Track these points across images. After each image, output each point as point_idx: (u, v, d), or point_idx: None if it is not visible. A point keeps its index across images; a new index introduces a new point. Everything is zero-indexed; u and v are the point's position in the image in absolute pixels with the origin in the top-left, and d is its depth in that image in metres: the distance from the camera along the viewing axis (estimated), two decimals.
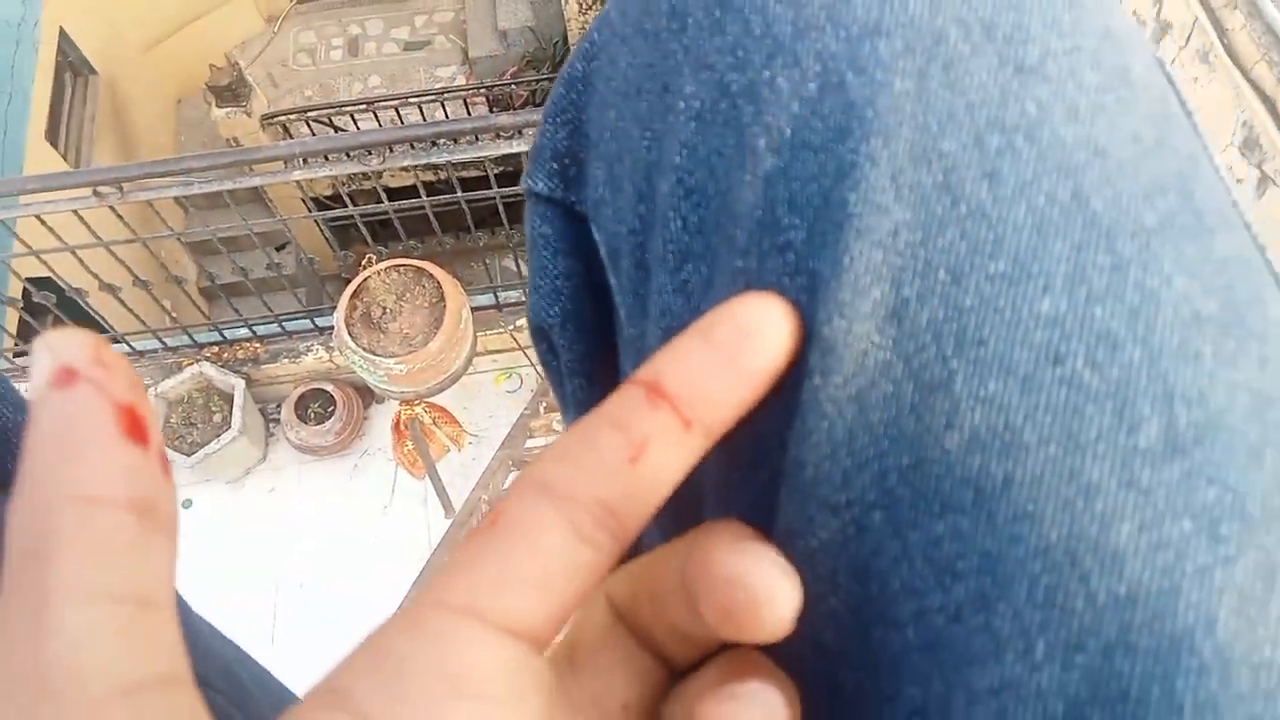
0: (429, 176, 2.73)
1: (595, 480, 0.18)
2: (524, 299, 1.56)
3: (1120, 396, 0.17)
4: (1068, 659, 0.16)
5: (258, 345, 2.14)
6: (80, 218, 1.99)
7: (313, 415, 2.10)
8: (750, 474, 0.21)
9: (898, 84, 0.20)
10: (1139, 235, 0.19)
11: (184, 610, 0.38)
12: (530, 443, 2.18)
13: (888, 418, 0.19)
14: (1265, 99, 2.31)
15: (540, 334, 0.29)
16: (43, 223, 2.02)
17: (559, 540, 0.18)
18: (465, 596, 0.17)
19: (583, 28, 4.10)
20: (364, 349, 1.90)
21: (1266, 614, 0.16)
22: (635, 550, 0.20)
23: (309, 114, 3.52)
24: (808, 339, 0.19)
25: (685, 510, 0.22)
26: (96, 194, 1.98)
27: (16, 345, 2.39)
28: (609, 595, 0.21)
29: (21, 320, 2.46)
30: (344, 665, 0.17)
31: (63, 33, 3.62)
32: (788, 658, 0.20)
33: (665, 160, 0.24)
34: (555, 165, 0.28)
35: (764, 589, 0.18)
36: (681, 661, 0.21)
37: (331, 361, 2.14)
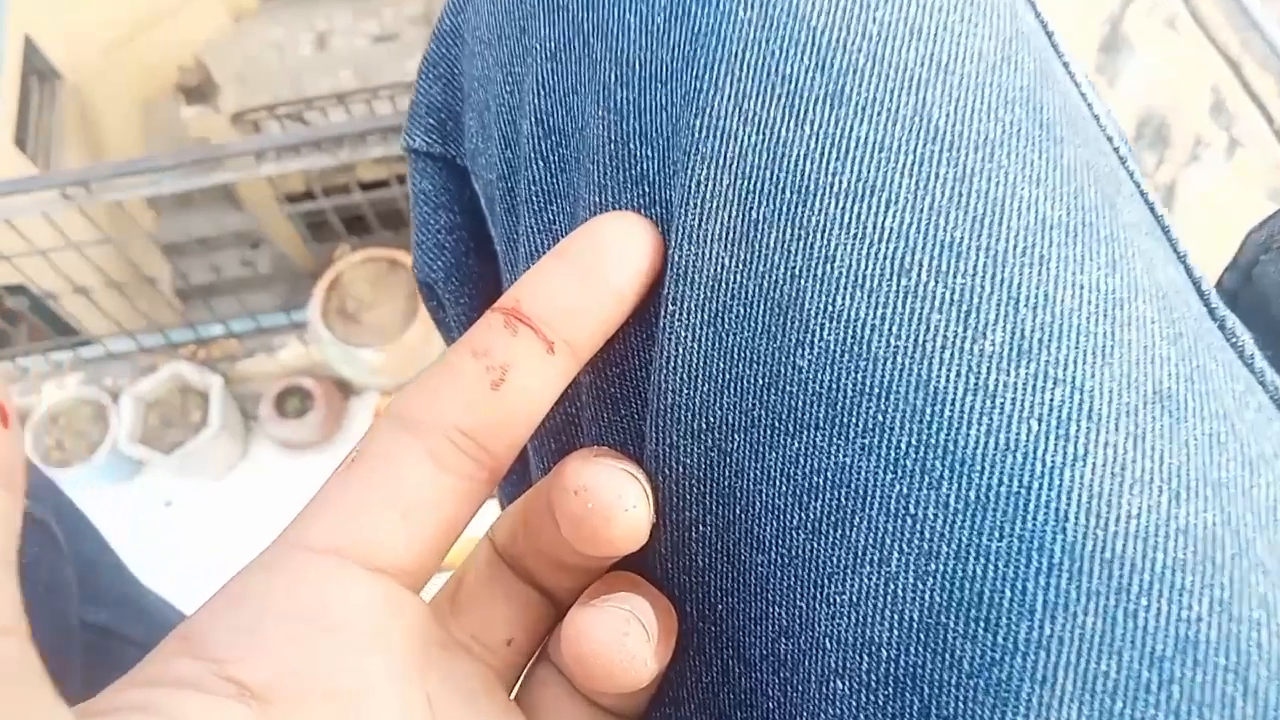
0: (402, 169, 2.72)
1: (456, 409, 0.19)
2: None
3: (966, 304, 0.18)
4: (922, 567, 0.17)
5: (234, 343, 2.13)
6: (50, 220, 1.96)
7: (292, 410, 2.10)
8: (621, 407, 0.22)
9: (741, 12, 0.20)
10: (983, 147, 0.19)
11: (136, 581, 0.38)
12: None
13: (742, 340, 0.19)
14: (1231, 64, 2.32)
15: (428, 289, 0.30)
16: (12, 227, 2.00)
17: (418, 470, 0.18)
18: (324, 534, 0.18)
19: None
20: (340, 341, 1.89)
21: (1117, 510, 0.16)
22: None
23: (279, 110, 3.49)
24: (665, 267, 0.20)
25: (566, 449, 0.23)
26: (65, 196, 1.96)
27: None
28: (491, 536, 0.22)
29: None
30: (199, 611, 0.17)
31: (28, 40, 3.57)
32: (665, 585, 0.20)
33: (525, 102, 0.24)
34: (432, 120, 0.28)
35: (608, 495, 0.18)
36: (564, 594, 0.21)
37: (309, 356, 2.13)
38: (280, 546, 0.18)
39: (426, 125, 0.28)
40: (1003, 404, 0.17)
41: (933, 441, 0.17)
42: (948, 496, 0.17)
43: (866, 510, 0.17)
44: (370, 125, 2.36)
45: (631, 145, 0.21)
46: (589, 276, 0.20)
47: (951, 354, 0.17)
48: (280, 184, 2.51)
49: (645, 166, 0.21)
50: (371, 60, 3.62)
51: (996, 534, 0.16)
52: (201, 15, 3.73)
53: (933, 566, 0.17)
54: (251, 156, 2.19)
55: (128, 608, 0.36)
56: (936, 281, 0.18)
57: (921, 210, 0.19)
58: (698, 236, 0.19)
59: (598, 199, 0.21)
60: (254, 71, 3.62)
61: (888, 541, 0.17)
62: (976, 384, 0.17)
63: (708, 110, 0.20)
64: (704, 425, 0.19)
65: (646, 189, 0.21)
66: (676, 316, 0.19)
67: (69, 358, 2.22)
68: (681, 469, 0.19)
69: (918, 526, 0.17)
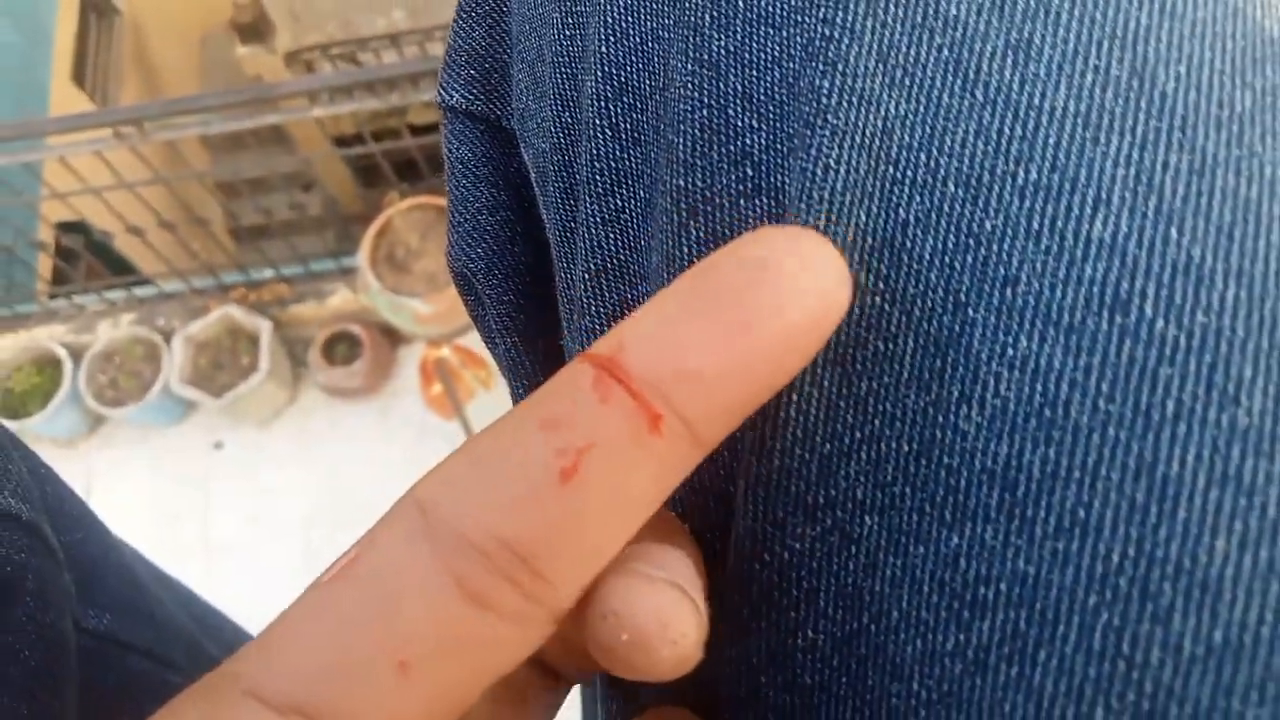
0: None
1: (500, 508, 0.12)
2: None
3: (1210, 353, 0.12)
4: None
5: (283, 287, 2.12)
6: (104, 159, 1.96)
7: (340, 356, 2.09)
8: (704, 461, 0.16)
9: None
10: (1228, 125, 0.13)
11: (143, 582, 0.35)
12: None
13: (882, 389, 0.14)
14: None
15: (464, 280, 0.23)
16: (66, 165, 2.00)
17: (434, 601, 0.11)
18: (285, 682, 0.12)
19: None
20: (389, 289, 1.87)
21: None
22: None
23: (332, 50, 3.46)
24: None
25: None
26: (117, 135, 1.95)
27: (51, 290, 2.39)
28: None
29: (55, 265, 2.46)
30: None
31: None
32: (756, 702, 0.15)
33: (590, 51, 0.18)
34: (473, 71, 0.22)
35: (649, 624, 0.12)
36: (572, 674, 0.16)
37: (357, 302, 2.12)
38: (225, 684, 0.12)
39: (466, 77, 0.22)
40: (1264, 505, 0.12)
41: (1160, 555, 0.12)
42: (1180, 637, 0.12)
43: (1057, 644, 0.12)
44: (422, 67, 2.31)
45: (731, 111, 0.16)
46: (738, 324, 0.13)
47: (1189, 428, 0.12)
48: (331, 126, 2.48)
49: (749, 140, 0.15)
50: (426, 1, 3.57)
51: (1256, 695, 0.11)
52: None
53: None
54: (304, 98, 2.16)
55: (134, 613, 0.33)
56: (1166, 320, 0.13)
57: (1144, 215, 0.13)
58: None
59: (683, 182, 0.16)
60: (307, 9, 3.59)
61: (1088, 692, 0.12)
62: (1226, 474, 0.12)
63: (839, 65, 0.14)
64: (823, 500, 0.14)
65: (749, 171, 0.15)
66: None
67: (123, 297, 2.24)
68: (788, 555, 0.14)
69: (1135, 676, 0.12)
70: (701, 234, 0.16)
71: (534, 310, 0.22)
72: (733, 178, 0.16)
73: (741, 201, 0.15)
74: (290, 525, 2.00)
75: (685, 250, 0.16)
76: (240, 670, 0.12)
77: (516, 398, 0.23)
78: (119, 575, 0.33)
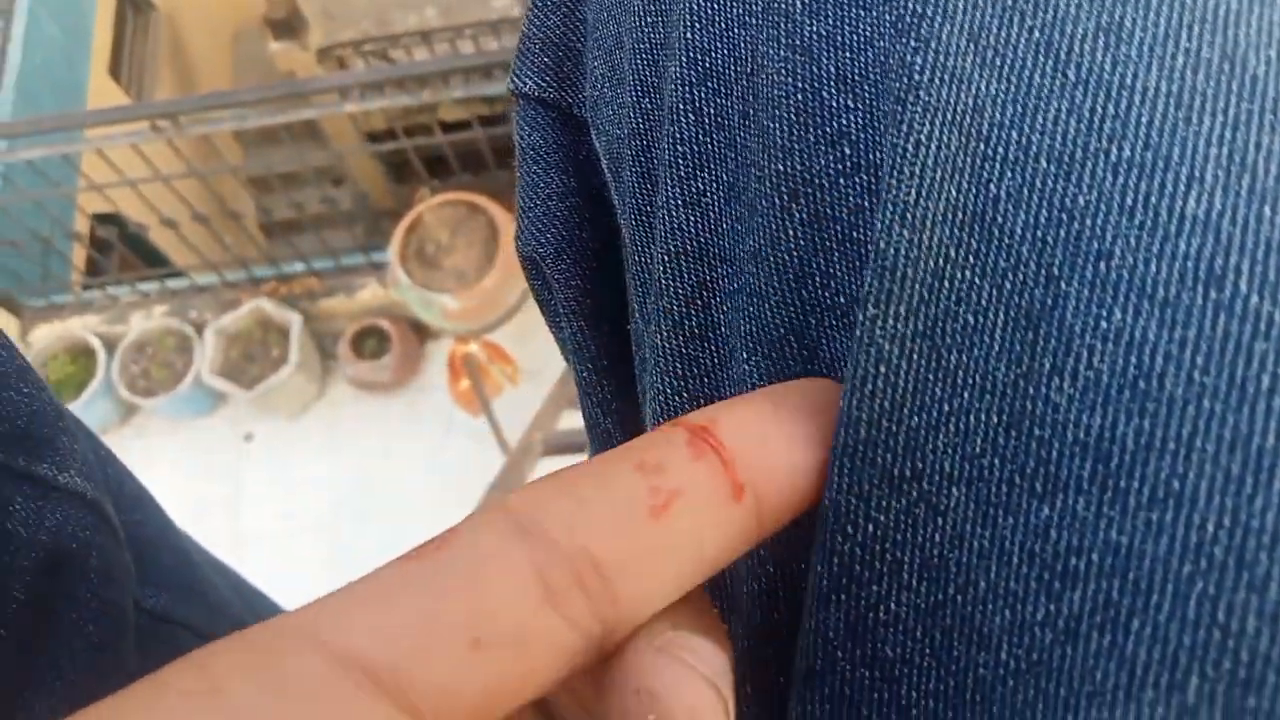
0: (483, 110, 2.69)
1: (597, 528, 0.13)
2: None
3: None
4: (1234, 703, 0.11)
5: (314, 281, 2.14)
6: (139, 152, 1.99)
7: (369, 351, 2.11)
8: None
9: None
10: None
11: (197, 564, 0.35)
12: None
13: (971, 361, 0.14)
14: None
15: (532, 265, 0.23)
16: (103, 156, 2.03)
17: (519, 592, 0.12)
18: (356, 635, 0.11)
19: None
20: (418, 285, 1.88)
21: None
22: None
23: (364, 46, 3.49)
24: (845, 253, 0.15)
25: None
26: (154, 128, 1.98)
27: (86, 280, 2.43)
28: None
29: (90, 256, 2.50)
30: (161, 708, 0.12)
31: None
32: (833, 675, 0.15)
33: (674, 37, 0.18)
34: (546, 59, 0.23)
35: (677, 709, 0.13)
36: None
37: (387, 297, 2.13)
38: (292, 627, 0.12)
39: (540, 65, 0.23)
40: None
41: (1255, 525, 0.12)
42: (1277, 605, 0.12)
43: (1150, 612, 0.12)
44: (453, 64, 2.33)
45: (825, 94, 0.16)
46: (819, 438, 0.14)
47: None
48: (363, 122, 2.51)
49: (846, 120, 0.16)
50: None
51: None
52: None
53: (1250, 703, 0.12)
54: (335, 93, 2.18)
55: (189, 592, 0.33)
56: (1262, 297, 0.13)
57: (1238, 193, 0.13)
58: (914, 217, 0.14)
59: (782, 166, 0.16)
60: (340, 6, 3.63)
61: (1183, 660, 0.12)
62: None
63: (932, 43, 0.14)
64: (909, 471, 0.14)
65: (848, 150, 0.16)
66: (880, 322, 0.14)
67: (156, 289, 2.27)
68: (872, 527, 0.14)
69: (1231, 644, 0.12)
70: (805, 215, 0.16)
71: (600, 294, 0.23)
72: (831, 158, 0.16)
73: (841, 181, 0.16)
74: (318, 517, 2.02)
75: (790, 233, 0.16)
76: (308, 618, 0.12)
77: (579, 380, 0.24)
78: (175, 556, 0.34)
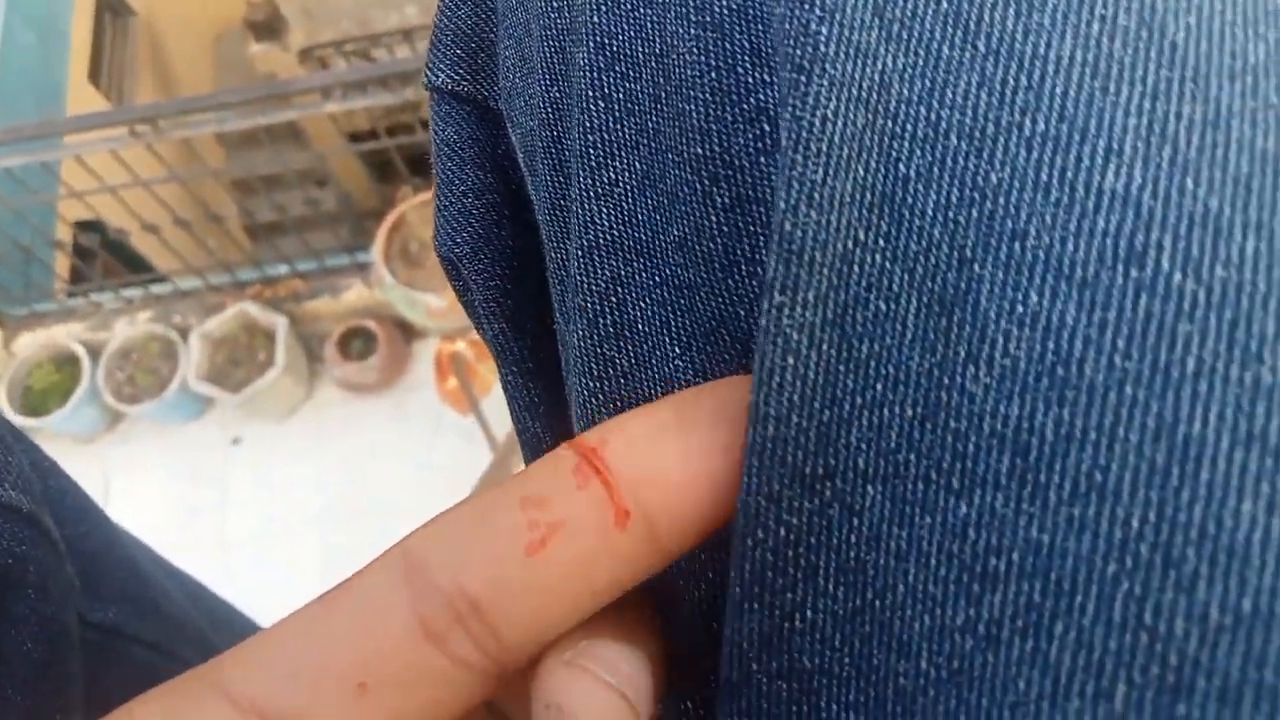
0: None
1: (473, 567, 0.13)
2: None
3: (1231, 308, 0.11)
4: (1163, 710, 0.11)
5: (298, 282, 2.13)
6: (119, 158, 1.97)
7: (356, 352, 2.10)
8: None
9: None
10: (1241, 76, 0.13)
11: (149, 575, 0.35)
12: None
13: (883, 351, 0.13)
14: None
15: (450, 265, 0.23)
16: (83, 164, 2.01)
17: (399, 635, 0.13)
18: (254, 683, 0.13)
19: None
20: (403, 284, 1.87)
21: None
22: None
23: (345, 46, 3.48)
24: (769, 238, 0.14)
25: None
26: (133, 133, 1.96)
27: (69, 288, 2.41)
28: None
29: (72, 264, 2.48)
30: None
31: None
32: (749, 688, 0.14)
33: (580, 21, 0.18)
34: (459, 51, 0.22)
35: None
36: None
37: (372, 298, 2.12)
38: (200, 679, 0.13)
39: (453, 57, 0.22)
40: None
41: (1182, 519, 0.11)
42: (1206, 606, 0.11)
43: (1074, 615, 0.12)
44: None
45: (741, 69, 0.15)
46: (721, 446, 0.14)
47: (1210, 386, 0.12)
48: (345, 122, 2.49)
49: (763, 96, 0.15)
50: None
51: None
52: None
53: (1180, 711, 0.11)
54: (317, 94, 2.17)
55: (140, 604, 0.33)
56: (1184, 274, 0.12)
57: (1159, 166, 0.13)
58: (821, 197, 0.13)
59: (700, 149, 0.15)
60: (321, 6, 3.60)
61: (1109, 666, 0.11)
62: (1251, 434, 0.11)
63: (836, 14, 0.14)
64: (821, 470, 0.14)
65: (768, 128, 0.15)
66: (787, 311, 0.13)
67: (139, 294, 2.25)
68: (784, 531, 0.14)
69: (1158, 648, 0.11)
70: (727, 200, 0.15)
71: (522, 294, 0.22)
72: (750, 136, 0.15)
73: (762, 160, 0.15)
74: (307, 520, 2.01)
75: (713, 219, 0.15)
76: (216, 669, 0.13)
77: (505, 384, 0.23)
78: (124, 568, 0.33)
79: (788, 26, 0.14)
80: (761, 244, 0.15)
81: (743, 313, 0.15)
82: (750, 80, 0.15)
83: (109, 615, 0.31)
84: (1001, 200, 0.13)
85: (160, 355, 2.12)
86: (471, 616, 0.13)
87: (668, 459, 0.13)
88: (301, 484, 2.05)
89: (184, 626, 0.35)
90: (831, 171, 0.13)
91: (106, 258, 2.34)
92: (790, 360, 0.13)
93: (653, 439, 0.14)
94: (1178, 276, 0.12)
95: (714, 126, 0.15)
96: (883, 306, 0.13)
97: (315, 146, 2.23)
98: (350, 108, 2.13)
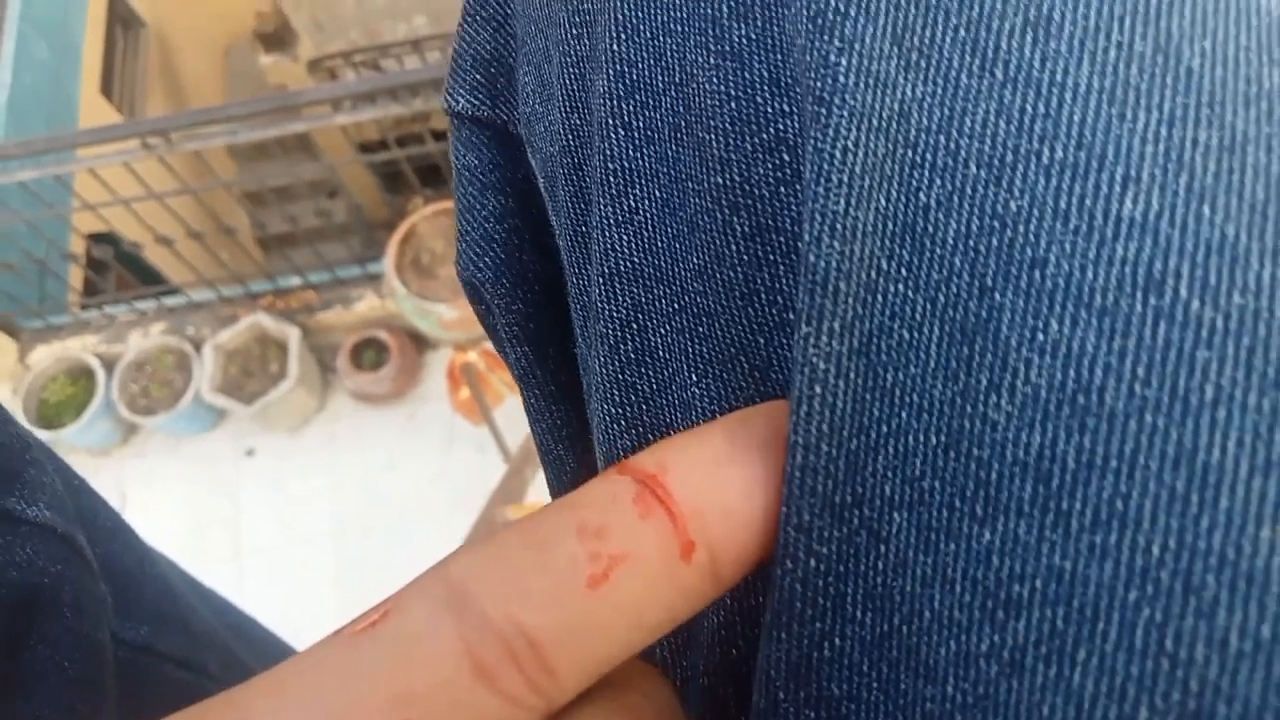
0: None
1: (529, 600, 0.12)
2: None
3: (1249, 337, 0.12)
4: None
5: (311, 294, 2.14)
6: (131, 170, 1.99)
7: (368, 363, 2.11)
8: None
9: None
10: (1256, 102, 0.13)
11: (179, 593, 0.35)
12: None
13: (908, 379, 0.13)
14: None
15: (472, 290, 0.23)
16: (96, 176, 2.03)
17: (447, 672, 0.12)
18: (288, 716, 0.12)
19: None
20: (414, 294, 1.88)
21: None
22: None
23: (355, 57, 3.50)
24: (798, 269, 0.14)
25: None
26: (145, 146, 1.98)
27: (83, 301, 2.43)
28: None
29: (86, 276, 2.50)
30: None
31: None
32: (776, 716, 0.14)
33: (600, 49, 0.18)
34: (479, 76, 0.22)
35: None
36: None
37: (384, 308, 2.13)
38: (234, 708, 0.12)
39: (473, 82, 0.22)
40: None
41: (1202, 546, 0.12)
42: (1226, 632, 0.11)
43: (1096, 642, 0.12)
44: (445, 72, 2.33)
45: (760, 99, 0.16)
46: (776, 476, 0.13)
47: (1229, 413, 0.12)
48: (355, 133, 2.51)
49: (783, 126, 0.15)
50: (446, 4, 3.60)
51: None
52: None
53: None
54: (327, 105, 2.18)
55: (171, 623, 0.33)
56: (1203, 301, 0.12)
57: (1175, 193, 0.13)
58: (844, 228, 0.14)
59: (720, 179, 0.16)
60: (330, 17, 3.63)
61: (1131, 692, 0.12)
62: (1270, 461, 0.11)
63: (855, 45, 0.14)
64: (849, 498, 0.14)
65: (787, 157, 0.15)
66: (814, 341, 0.14)
67: (153, 307, 2.26)
68: (814, 560, 0.14)
69: (1180, 674, 0.11)
70: (747, 228, 0.15)
71: (545, 319, 0.22)
72: (770, 165, 0.15)
73: (782, 190, 0.15)
74: (321, 530, 2.02)
75: (733, 248, 0.16)
76: (247, 699, 0.12)
77: (528, 406, 0.23)
78: (154, 586, 0.33)
79: (808, 58, 0.14)
80: (781, 273, 0.15)
81: (762, 340, 0.15)
82: (769, 110, 0.15)
83: (141, 633, 0.31)
84: (1021, 228, 0.13)
85: (174, 367, 2.14)
86: (527, 652, 0.12)
87: (732, 490, 0.13)
88: (315, 495, 2.06)
89: (211, 641, 0.35)
90: (854, 202, 0.13)
91: (120, 270, 2.36)
92: (818, 389, 0.13)
93: (714, 467, 0.13)
94: (1196, 304, 0.12)
95: (733, 156, 0.15)
96: (906, 335, 0.13)
97: (326, 157, 2.25)
98: (360, 119, 2.14)
